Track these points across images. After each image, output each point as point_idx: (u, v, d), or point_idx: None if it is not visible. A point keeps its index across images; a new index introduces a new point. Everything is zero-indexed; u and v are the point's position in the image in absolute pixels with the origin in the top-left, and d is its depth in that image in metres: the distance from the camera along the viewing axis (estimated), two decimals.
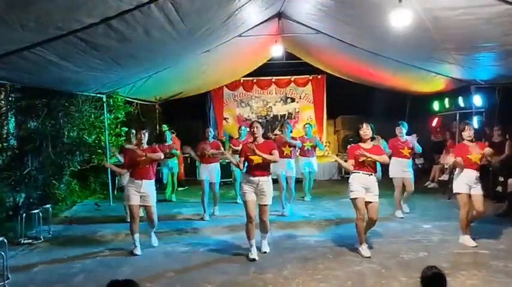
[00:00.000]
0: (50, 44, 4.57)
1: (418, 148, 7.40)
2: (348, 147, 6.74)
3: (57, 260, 5.63)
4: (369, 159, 5.36)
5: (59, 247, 6.20)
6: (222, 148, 8.11)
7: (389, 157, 6.88)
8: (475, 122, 9.16)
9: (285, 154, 7.84)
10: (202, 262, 5.43)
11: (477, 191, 5.66)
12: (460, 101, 10.06)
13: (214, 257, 5.57)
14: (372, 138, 5.58)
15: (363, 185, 5.40)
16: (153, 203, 5.90)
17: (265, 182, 5.50)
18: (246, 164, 5.61)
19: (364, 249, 5.46)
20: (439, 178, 10.07)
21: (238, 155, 5.87)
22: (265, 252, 5.64)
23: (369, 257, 5.34)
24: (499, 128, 8.39)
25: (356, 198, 5.40)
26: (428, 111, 11.85)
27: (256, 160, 5.46)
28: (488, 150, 5.72)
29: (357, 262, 5.20)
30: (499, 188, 8.11)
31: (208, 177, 7.85)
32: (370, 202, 5.40)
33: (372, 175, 5.43)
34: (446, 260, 5.12)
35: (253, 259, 5.38)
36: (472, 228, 5.89)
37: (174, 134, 10.79)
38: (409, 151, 7.39)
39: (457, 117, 9.89)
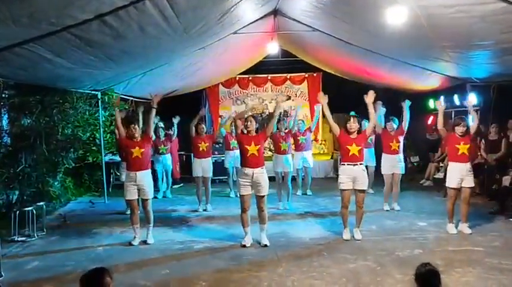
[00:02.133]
0: (44, 40, 4.51)
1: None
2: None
3: (50, 257, 5.60)
4: (357, 147, 5.82)
5: (53, 245, 6.16)
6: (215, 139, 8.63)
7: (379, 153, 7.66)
8: (470, 120, 9.16)
9: (282, 149, 7.96)
10: (197, 259, 5.42)
11: (467, 183, 6.07)
12: (456, 99, 10.08)
13: (208, 255, 5.56)
14: (359, 132, 5.99)
15: (349, 176, 5.85)
16: (150, 197, 6.07)
17: (259, 174, 5.71)
18: (241, 154, 5.84)
19: (345, 233, 6.02)
20: (434, 176, 10.09)
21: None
22: (265, 245, 5.73)
23: (348, 239, 5.92)
24: (496, 126, 8.41)
25: (342, 189, 5.93)
26: (423, 110, 11.85)
27: (251, 150, 5.69)
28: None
29: (352, 259, 5.20)
30: (495, 186, 8.11)
31: (201, 172, 8.04)
32: (357, 190, 5.91)
33: (357, 164, 5.83)
34: (441, 257, 5.14)
35: (244, 246, 5.73)
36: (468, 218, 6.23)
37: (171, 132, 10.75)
38: (398, 144, 7.60)
39: (453, 115, 9.90)
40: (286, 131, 8.16)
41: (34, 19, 3.91)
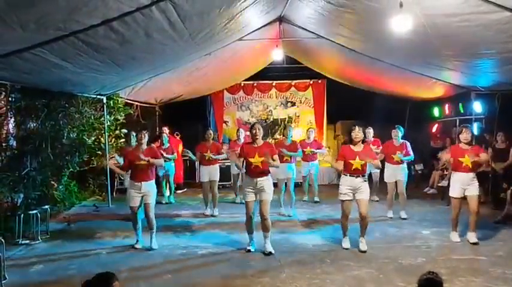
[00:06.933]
0: (51, 45, 4.56)
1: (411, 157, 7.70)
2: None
3: (54, 260, 5.63)
4: (360, 161, 5.69)
5: (57, 248, 6.19)
6: (222, 150, 8.34)
7: (382, 161, 7.34)
8: (475, 128, 9.16)
9: (285, 159, 7.84)
10: (200, 264, 5.43)
11: (472, 192, 6.00)
12: (460, 108, 10.07)
13: (211, 260, 5.57)
14: (363, 141, 5.86)
15: (350, 187, 5.75)
16: (152, 201, 6.09)
17: (264, 180, 5.71)
18: (246, 165, 5.81)
19: (344, 241, 5.97)
20: (438, 184, 10.05)
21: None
22: (270, 252, 5.68)
23: (347, 248, 5.84)
24: (502, 135, 8.36)
25: (343, 200, 5.83)
26: (428, 117, 11.86)
27: (255, 162, 5.67)
28: (484, 155, 6.05)
29: (355, 266, 5.18)
30: (503, 195, 7.97)
31: (208, 177, 8.08)
32: (359, 200, 5.76)
33: (359, 176, 5.72)
34: (445, 266, 5.11)
35: (249, 250, 5.77)
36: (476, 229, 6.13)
37: (179, 137, 10.80)
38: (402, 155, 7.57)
39: (457, 124, 9.90)
40: (290, 143, 8.05)
41: (41, 24, 3.96)
